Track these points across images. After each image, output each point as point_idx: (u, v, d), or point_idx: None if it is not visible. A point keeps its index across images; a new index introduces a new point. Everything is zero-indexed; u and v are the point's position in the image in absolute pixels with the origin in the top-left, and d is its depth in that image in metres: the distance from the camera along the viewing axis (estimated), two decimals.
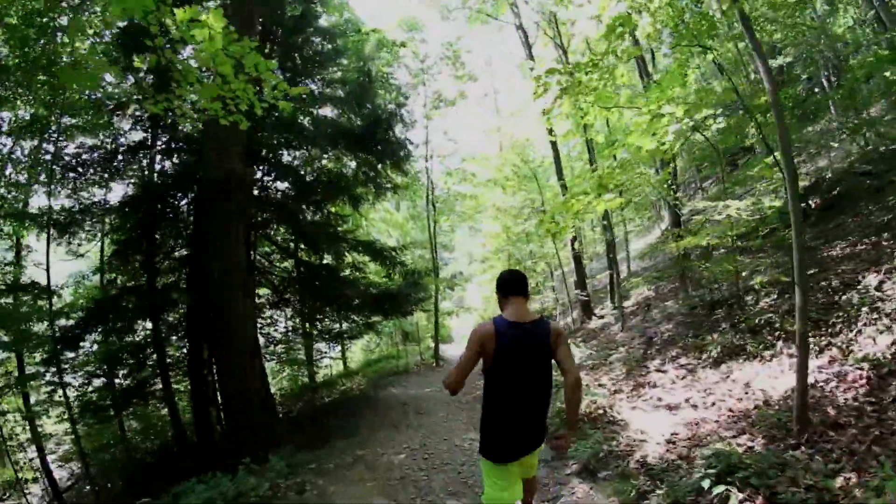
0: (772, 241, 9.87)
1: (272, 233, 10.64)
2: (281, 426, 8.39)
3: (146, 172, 9.74)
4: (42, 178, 9.38)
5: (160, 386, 9.46)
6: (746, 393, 5.79)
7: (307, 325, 12.84)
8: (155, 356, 9.33)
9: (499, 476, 2.73)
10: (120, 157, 9.51)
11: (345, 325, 12.53)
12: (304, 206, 10.31)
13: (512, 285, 2.84)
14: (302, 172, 10.30)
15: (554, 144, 15.69)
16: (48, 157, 9.58)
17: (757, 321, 7.01)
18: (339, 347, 18.38)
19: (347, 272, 11.03)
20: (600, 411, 6.53)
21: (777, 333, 6.58)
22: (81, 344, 8.68)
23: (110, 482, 9.28)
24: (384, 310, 10.79)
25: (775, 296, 7.80)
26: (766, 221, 8.83)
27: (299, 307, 11.46)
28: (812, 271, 7.23)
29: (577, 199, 7.34)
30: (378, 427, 8.12)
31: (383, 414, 8.74)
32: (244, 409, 7.36)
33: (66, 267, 10.23)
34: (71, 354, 8.69)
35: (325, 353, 17.31)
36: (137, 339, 9.35)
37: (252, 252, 9.57)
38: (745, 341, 6.86)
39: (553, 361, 2.79)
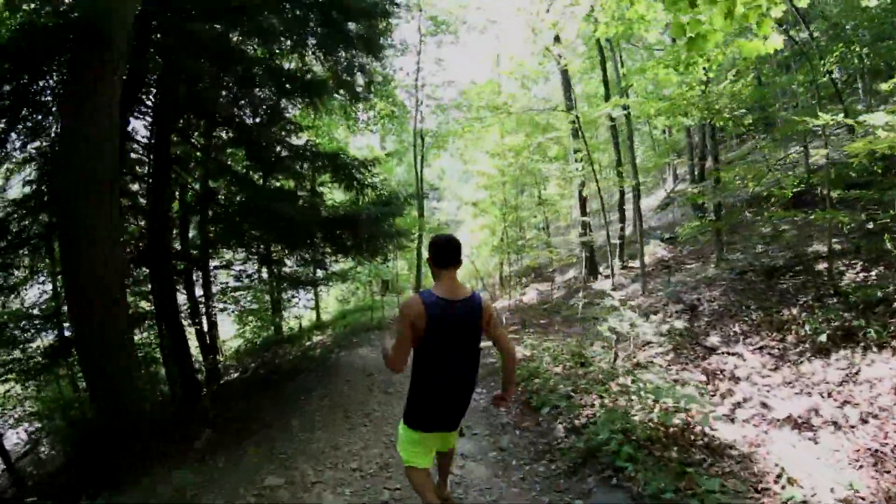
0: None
1: (205, 140, 8.22)
2: (194, 410, 6.37)
3: None
4: None
5: None
6: None
7: (263, 268, 10.77)
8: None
9: (415, 443, 2.77)
10: None
11: (304, 270, 10.41)
12: (246, 109, 7.87)
13: (445, 255, 2.63)
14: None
15: (565, 73, 13.41)
16: None
17: (870, 296, 5.10)
18: (312, 296, 16.68)
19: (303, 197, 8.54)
20: (683, 422, 4.11)
21: None
22: None
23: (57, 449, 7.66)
24: (343, 244, 8.10)
25: (860, 265, 5.95)
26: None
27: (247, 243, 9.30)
28: None
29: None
30: (324, 418, 5.81)
31: (338, 391, 6.79)
32: (109, 400, 4.71)
33: None
34: None
35: (293, 302, 15.48)
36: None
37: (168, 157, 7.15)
38: (855, 323, 4.97)
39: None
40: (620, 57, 13.61)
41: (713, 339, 6.25)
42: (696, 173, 14.73)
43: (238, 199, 8.01)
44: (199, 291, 10.16)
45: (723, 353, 5.89)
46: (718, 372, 5.49)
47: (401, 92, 16.77)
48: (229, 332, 14.37)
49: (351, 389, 6.84)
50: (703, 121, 8.58)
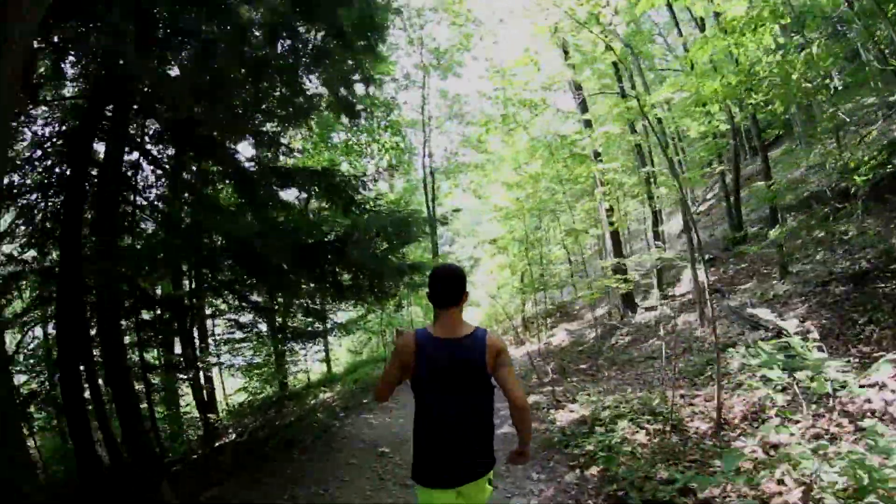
0: None
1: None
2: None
3: None
4: None
5: None
6: None
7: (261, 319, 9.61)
8: None
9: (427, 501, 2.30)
10: None
11: (304, 321, 9.25)
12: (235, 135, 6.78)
13: (442, 292, 2.29)
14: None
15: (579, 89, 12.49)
16: None
17: None
18: (322, 348, 15.40)
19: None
20: None
21: None
22: None
23: None
24: (336, 283, 6.63)
25: None
26: None
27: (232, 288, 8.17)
28: None
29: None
30: None
31: (337, 480, 5.10)
32: None
33: None
34: None
35: (299, 354, 14.18)
36: None
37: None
38: None
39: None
40: (639, 73, 12.62)
41: (831, 371, 4.80)
42: (729, 182, 13.44)
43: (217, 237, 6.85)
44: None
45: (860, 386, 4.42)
46: (869, 414, 4.02)
47: (407, 130, 15.99)
48: (237, 385, 13.26)
49: (355, 477, 5.18)
50: (773, 100, 7.34)
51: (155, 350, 11.89)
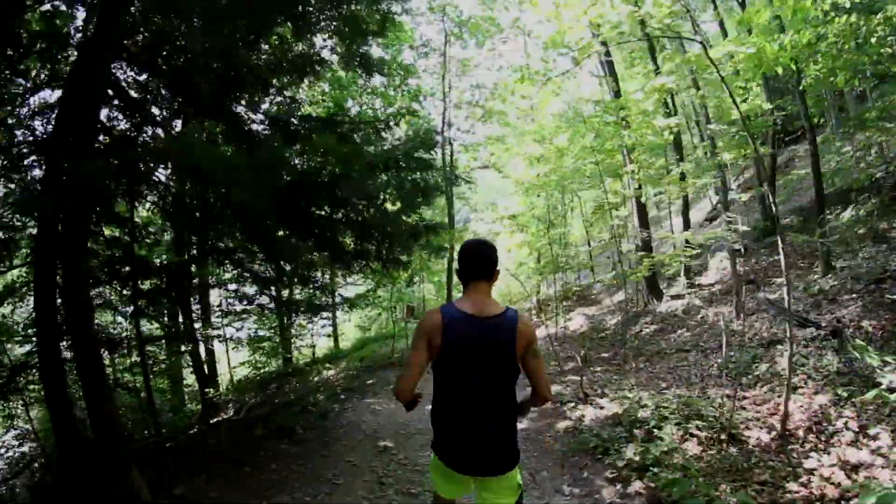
0: None
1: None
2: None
3: None
4: None
5: None
6: None
7: (260, 289, 9.06)
8: None
9: (438, 470, 2.20)
10: None
11: (308, 294, 8.70)
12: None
13: (474, 264, 2.16)
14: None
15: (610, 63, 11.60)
16: None
17: None
18: (330, 322, 14.93)
19: None
20: None
21: None
22: None
23: None
24: (333, 244, 5.77)
25: None
26: None
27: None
28: None
29: None
30: None
31: (329, 484, 4.28)
32: None
33: None
34: None
35: (306, 329, 13.72)
36: None
37: None
38: None
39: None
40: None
41: None
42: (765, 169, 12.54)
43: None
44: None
45: None
46: None
47: (426, 100, 15.16)
48: (243, 358, 12.91)
49: (351, 479, 4.34)
50: (836, 72, 6.51)
51: (155, 321, 11.53)
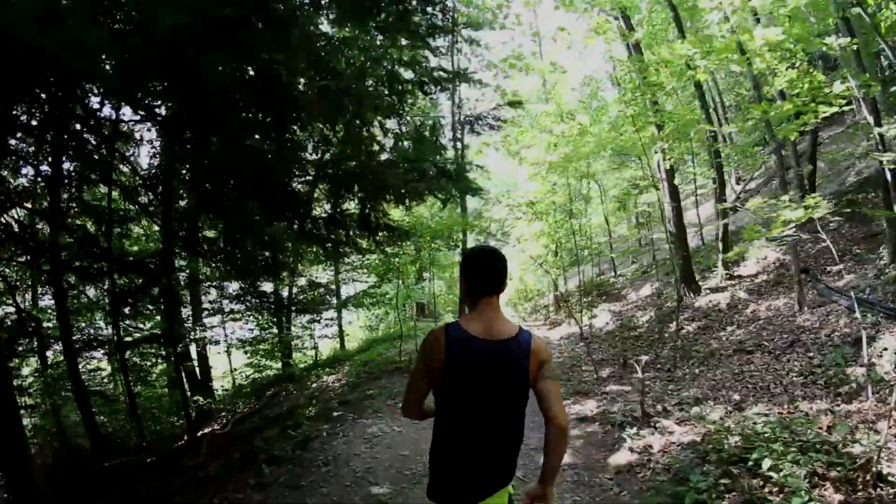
0: None
1: None
2: None
3: None
4: None
5: None
6: None
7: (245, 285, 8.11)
8: None
9: None
10: None
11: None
12: None
13: (484, 276, 1.90)
14: None
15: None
16: None
17: None
18: (335, 322, 13.92)
19: None
20: None
21: None
22: None
23: None
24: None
25: None
26: None
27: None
28: None
29: None
30: None
31: None
32: None
33: None
34: None
35: (310, 328, 12.72)
36: None
37: None
38: None
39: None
40: None
41: None
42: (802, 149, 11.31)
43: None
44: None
45: None
46: None
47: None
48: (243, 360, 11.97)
49: None
50: None
51: (139, 322, 10.57)
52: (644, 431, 4.21)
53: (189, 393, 10.01)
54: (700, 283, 10.34)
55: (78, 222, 7.35)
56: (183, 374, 8.20)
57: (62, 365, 8.21)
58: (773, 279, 8.92)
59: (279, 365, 11.39)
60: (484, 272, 1.89)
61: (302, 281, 12.81)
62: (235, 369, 12.45)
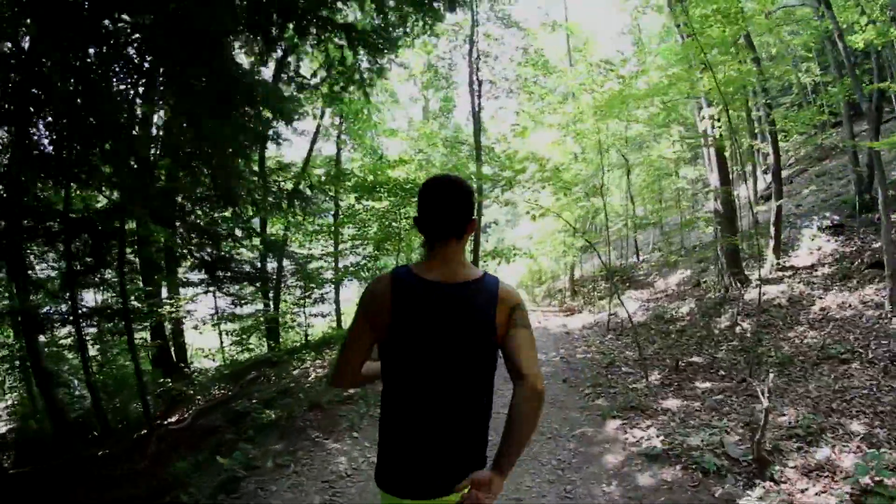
0: None
1: None
2: None
3: None
4: None
5: None
6: None
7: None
8: None
9: None
10: None
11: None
12: None
13: (436, 213, 1.51)
14: None
15: None
16: None
17: None
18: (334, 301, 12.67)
19: None
20: None
21: None
22: None
23: None
24: None
25: None
26: None
27: None
28: None
29: None
30: None
31: None
32: None
33: None
34: None
35: (299, 307, 11.50)
36: None
37: None
38: None
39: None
40: None
41: None
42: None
43: None
44: None
45: None
46: None
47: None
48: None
49: None
50: None
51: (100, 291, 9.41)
52: (760, 488, 2.82)
53: (162, 374, 8.91)
54: (746, 274, 9.01)
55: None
56: (138, 353, 6.97)
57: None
58: (837, 272, 7.58)
59: (265, 346, 10.26)
60: (436, 209, 1.49)
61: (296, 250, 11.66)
62: (225, 347, 11.36)
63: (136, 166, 5.07)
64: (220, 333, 10.92)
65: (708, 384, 4.93)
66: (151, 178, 5.60)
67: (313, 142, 12.85)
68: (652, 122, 10.39)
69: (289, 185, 9.24)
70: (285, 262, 11.27)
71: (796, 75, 12.75)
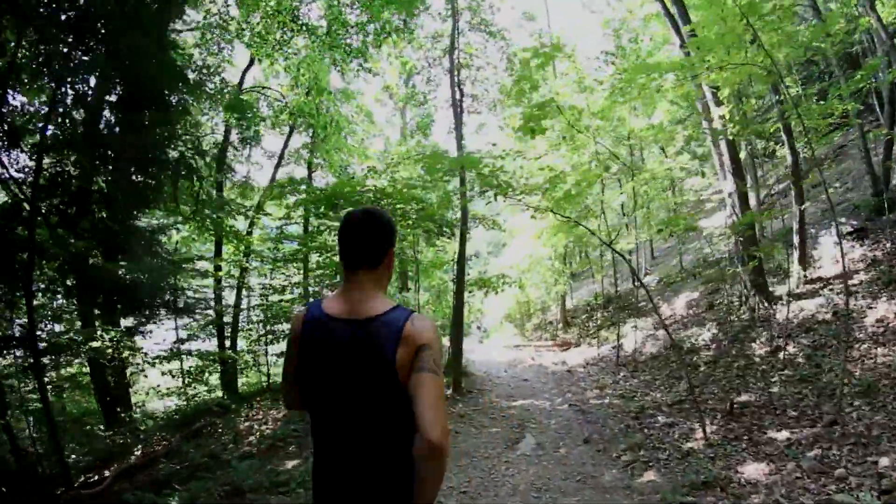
0: None
1: None
2: None
3: None
4: None
5: None
6: None
7: None
8: None
9: None
10: None
11: None
12: None
13: (348, 244, 1.48)
14: None
15: None
16: None
17: None
18: None
19: None
20: None
21: None
22: None
23: None
24: None
25: None
26: None
27: None
28: None
29: None
30: None
31: None
32: None
33: None
34: None
35: (259, 345, 10.04)
36: None
37: None
38: None
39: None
40: None
41: None
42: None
43: None
44: None
45: None
46: None
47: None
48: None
49: None
50: None
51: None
52: None
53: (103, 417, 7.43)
54: (770, 290, 7.91)
55: None
56: (48, 394, 5.51)
57: None
58: (877, 278, 6.56)
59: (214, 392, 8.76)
60: (347, 239, 1.46)
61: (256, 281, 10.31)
62: (177, 388, 9.85)
63: None
64: (171, 372, 9.50)
65: (786, 433, 3.67)
66: None
67: (278, 165, 11.84)
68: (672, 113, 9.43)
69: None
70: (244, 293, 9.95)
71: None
